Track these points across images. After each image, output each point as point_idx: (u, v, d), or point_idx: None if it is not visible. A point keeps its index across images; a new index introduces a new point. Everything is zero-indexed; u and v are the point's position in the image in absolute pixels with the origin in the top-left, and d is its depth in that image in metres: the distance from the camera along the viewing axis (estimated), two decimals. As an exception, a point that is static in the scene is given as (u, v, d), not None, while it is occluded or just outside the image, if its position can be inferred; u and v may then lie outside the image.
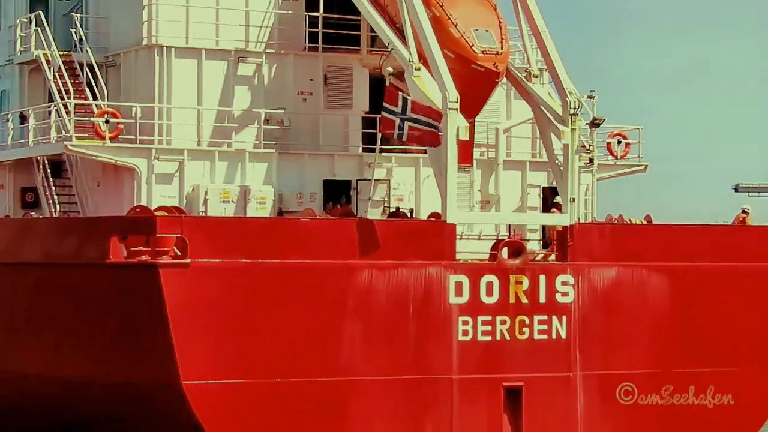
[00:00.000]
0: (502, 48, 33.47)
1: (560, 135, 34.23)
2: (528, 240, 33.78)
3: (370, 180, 35.39)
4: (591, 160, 34.71)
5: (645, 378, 32.62)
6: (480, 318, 30.72)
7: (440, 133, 31.61)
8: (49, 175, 34.99)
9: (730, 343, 33.37)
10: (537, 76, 35.17)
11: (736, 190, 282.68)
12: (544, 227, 34.37)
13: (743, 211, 36.31)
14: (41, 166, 35.17)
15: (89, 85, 35.02)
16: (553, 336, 31.44)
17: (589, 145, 34.85)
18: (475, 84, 33.02)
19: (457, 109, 31.61)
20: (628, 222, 35.68)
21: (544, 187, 36.33)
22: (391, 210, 34.43)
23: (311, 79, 36.29)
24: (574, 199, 33.68)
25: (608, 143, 37.10)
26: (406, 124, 32.82)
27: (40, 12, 36.57)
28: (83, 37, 36.12)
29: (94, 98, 34.47)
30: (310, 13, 36.06)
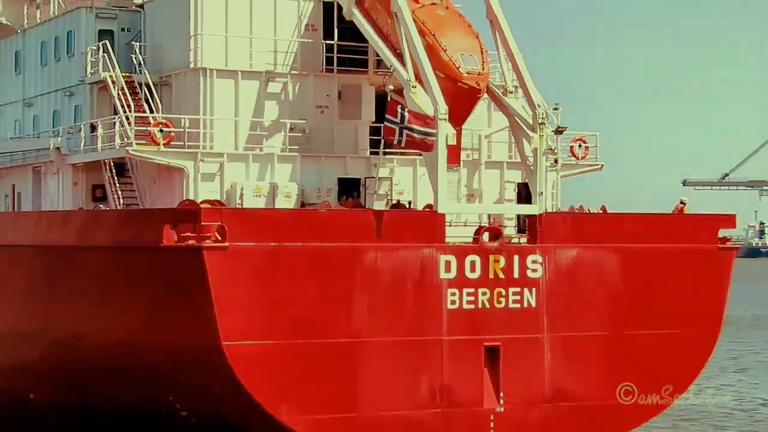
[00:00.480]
0: (483, 69, 33.15)
1: (531, 140, 33.95)
2: (505, 226, 33.34)
3: (375, 178, 35.52)
4: (556, 161, 34.52)
5: (601, 339, 32.16)
6: (465, 290, 30.26)
7: (432, 140, 31.41)
8: (114, 174, 35.15)
9: (670, 310, 32.75)
10: (512, 92, 35.10)
11: (684, 184, 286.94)
12: (518, 216, 34.05)
13: (681, 202, 36.27)
14: (108, 167, 35.26)
15: (146, 100, 35.12)
16: (525, 305, 30.99)
17: (555, 149, 34.70)
18: (461, 99, 32.70)
19: (446, 119, 31.43)
20: (587, 211, 35.76)
21: (518, 183, 36.38)
22: (393, 202, 34.33)
23: (327, 95, 36.10)
24: (542, 193, 33.46)
25: (571, 147, 36.95)
26: (405, 132, 32.98)
27: (107, 41, 36.59)
28: (142, 62, 36.13)
29: (150, 111, 34.57)
30: (327, 41, 35.91)
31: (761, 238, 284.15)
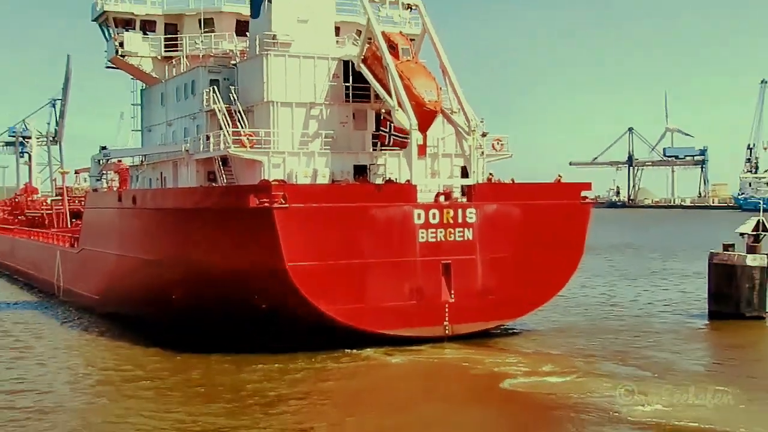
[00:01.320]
0: (438, 99, 33.07)
1: (467, 141, 34.08)
2: (453, 192, 33.22)
3: (375, 164, 35.26)
4: (483, 153, 34.35)
5: (510, 258, 32.18)
6: (429, 230, 30.63)
7: (408, 141, 32.03)
8: (221, 165, 34.69)
9: (552, 240, 32.73)
10: (455, 112, 35.13)
11: (570, 164, 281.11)
12: (461, 186, 33.60)
13: (558, 176, 35.88)
14: (217, 161, 34.81)
15: (239, 121, 34.48)
16: (465, 238, 31.24)
17: (481, 146, 34.50)
18: (425, 117, 32.37)
19: (416, 129, 31.74)
20: (501, 182, 35.68)
21: (461, 166, 35.36)
22: (386, 179, 33.91)
23: (346, 116, 35.50)
24: (474, 172, 33.61)
25: (492, 143, 36.26)
26: (392, 137, 34.00)
27: (215, 86, 36.07)
28: (236, 98, 35.49)
29: (241, 127, 34.05)
30: (345, 84, 35.37)
31: (617, 195, 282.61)
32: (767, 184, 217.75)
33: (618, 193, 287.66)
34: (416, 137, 31.83)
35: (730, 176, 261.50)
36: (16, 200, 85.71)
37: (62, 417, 21.78)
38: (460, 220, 31.24)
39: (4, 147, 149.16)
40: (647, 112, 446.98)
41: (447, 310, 31.01)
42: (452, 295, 31.04)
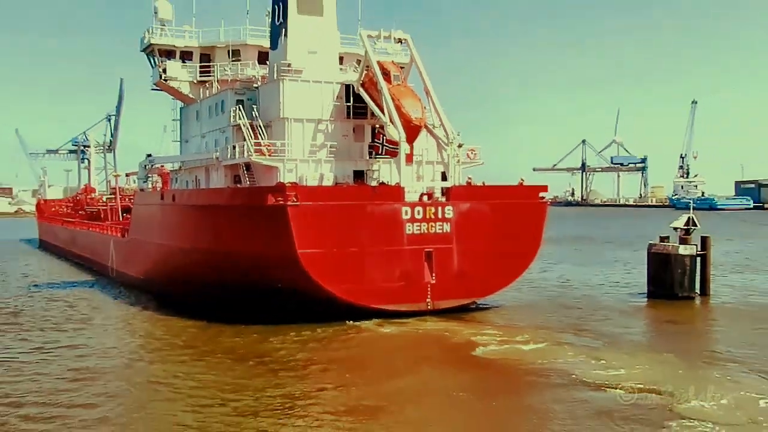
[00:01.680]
0: (422, 116, 33.02)
1: (446, 151, 34.06)
2: (434, 192, 32.84)
3: (371, 170, 35.10)
4: (459, 161, 34.21)
5: (481, 247, 31.80)
6: (415, 224, 30.43)
7: (398, 150, 31.98)
8: (245, 170, 34.59)
9: (516, 233, 32.65)
10: (437, 127, 34.90)
11: (534, 170, 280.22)
12: (442, 188, 33.00)
13: (521, 179, 35.48)
14: (242, 167, 34.76)
15: (259, 134, 34.40)
16: (444, 231, 31.03)
17: (458, 155, 34.32)
18: (412, 131, 32.45)
19: (405, 141, 31.91)
20: (474, 184, 35.38)
21: (441, 172, 35.17)
22: (380, 182, 33.45)
23: (347, 130, 35.67)
24: (451, 176, 33.68)
25: (467, 153, 35.69)
26: (385, 147, 33.81)
27: (240, 105, 35.78)
28: (257, 115, 35.28)
29: (261, 139, 33.98)
30: (347, 104, 35.19)
31: (573, 196, 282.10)
32: (696, 187, 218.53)
33: (573, 193, 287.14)
34: (404, 148, 31.99)
35: (666, 180, 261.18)
36: (78, 198, 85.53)
37: (112, 376, 21.76)
38: (439, 216, 31.08)
39: (68, 154, 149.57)
40: (600, 122, 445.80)
41: (429, 289, 30.80)
42: (433, 277, 30.81)
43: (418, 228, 30.62)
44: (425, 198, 31.78)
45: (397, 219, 30.23)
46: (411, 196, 31.45)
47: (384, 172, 34.66)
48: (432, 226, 30.88)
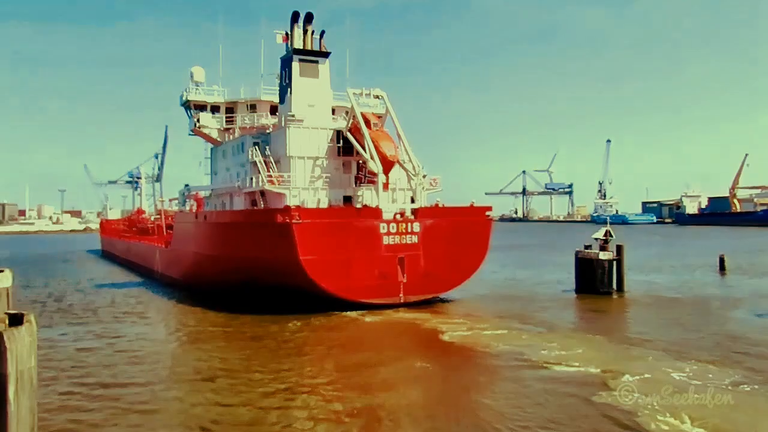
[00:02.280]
0: (395, 154, 32.74)
1: (414, 180, 34.14)
2: (405, 212, 31.90)
3: (357, 195, 34.51)
4: (423, 188, 34.19)
5: (442, 252, 31.11)
6: (390, 236, 30.12)
7: (377, 180, 31.89)
8: (260, 196, 34.31)
9: (468, 242, 32.31)
10: (406, 162, 34.56)
11: (485, 194, 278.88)
12: (412, 209, 32.02)
13: (472, 202, 34.76)
14: (258, 193, 34.45)
15: (271, 167, 34.17)
16: (413, 241, 30.66)
17: (423, 183, 34.41)
18: (387, 165, 32.23)
19: (382, 173, 31.81)
20: (441, 206, 35.05)
21: (410, 196, 34.60)
22: (363, 204, 33.12)
23: (338, 165, 35.25)
24: (418, 200, 33.61)
25: (430, 181, 35.63)
26: (367, 177, 33.75)
27: (257, 147, 35.36)
28: (269, 153, 34.97)
29: (273, 171, 33.79)
30: (338, 145, 34.96)
31: (516, 213, 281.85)
32: (611, 206, 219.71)
33: (516, 212, 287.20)
34: (382, 178, 31.99)
35: (588, 201, 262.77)
36: (131, 218, 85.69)
37: (163, 356, 21.61)
38: (409, 230, 30.84)
39: (125, 184, 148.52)
40: (539, 153, 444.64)
41: (402, 286, 30.52)
42: (405, 277, 30.51)
43: (393, 239, 30.34)
44: (398, 216, 31.51)
45: (376, 232, 29.96)
46: (387, 215, 31.29)
47: (367, 196, 34.50)
48: (403, 237, 30.62)
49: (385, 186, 32.54)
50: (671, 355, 19.93)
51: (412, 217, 31.60)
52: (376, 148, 32.07)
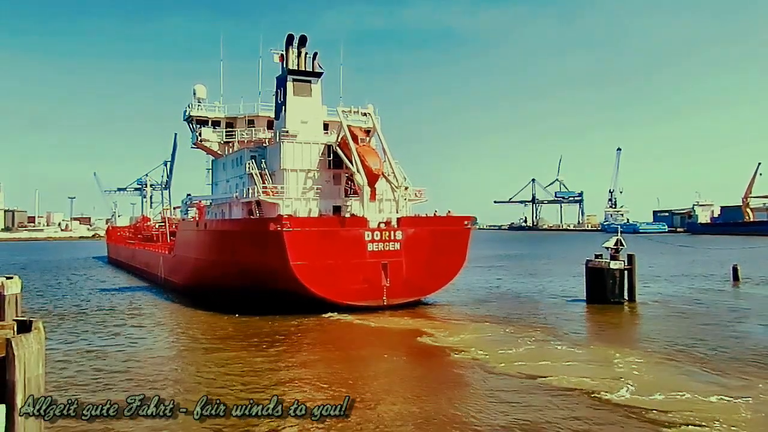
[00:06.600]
0: (381, 167, 33.55)
1: (398, 191, 35.02)
2: (390, 221, 32.54)
3: (345, 205, 35.29)
4: (407, 199, 35.10)
5: (422, 260, 31.82)
6: (375, 243, 30.95)
7: (363, 192, 32.78)
8: (256, 205, 34.80)
9: (448, 250, 32.92)
10: (390, 175, 35.45)
11: (494, 202, 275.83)
12: (397, 218, 32.69)
13: (449, 211, 35.57)
14: (254, 203, 34.87)
15: (267, 179, 34.83)
16: (395, 248, 31.51)
17: (406, 195, 35.19)
18: (373, 177, 33.05)
19: (368, 185, 32.82)
20: (439, 215, 35.67)
21: (395, 207, 34.79)
22: (351, 214, 33.98)
23: (329, 177, 35.76)
24: (401, 210, 34.41)
25: (415, 193, 36.21)
26: (353, 189, 34.38)
27: (253, 160, 36.14)
28: (265, 166, 35.17)
29: (268, 183, 34.47)
30: (328, 158, 35.61)
31: (525, 222, 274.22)
32: (622, 215, 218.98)
33: (525, 220, 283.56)
34: (367, 190, 32.80)
35: (598, 210, 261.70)
36: (137, 225, 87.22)
37: (168, 356, 22.06)
38: (392, 238, 31.53)
39: (134, 191, 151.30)
40: (547, 164, 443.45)
41: (385, 290, 31.16)
42: (388, 281, 31.12)
43: (377, 246, 31.05)
44: (383, 225, 31.97)
45: (361, 240, 30.70)
46: (373, 224, 31.70)
47: (355, 206, 34.89)
48: (387, 245, 31.31)
49: (372, 197, 33.41)
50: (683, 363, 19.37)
51: (396, 226, 32.32)
52: (363, 161, 32.98)
